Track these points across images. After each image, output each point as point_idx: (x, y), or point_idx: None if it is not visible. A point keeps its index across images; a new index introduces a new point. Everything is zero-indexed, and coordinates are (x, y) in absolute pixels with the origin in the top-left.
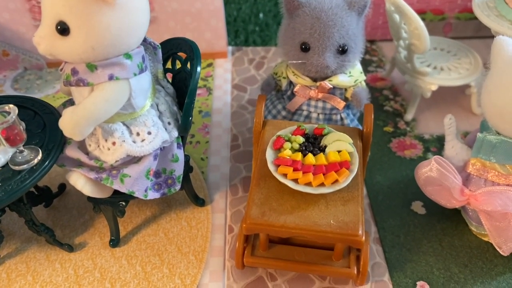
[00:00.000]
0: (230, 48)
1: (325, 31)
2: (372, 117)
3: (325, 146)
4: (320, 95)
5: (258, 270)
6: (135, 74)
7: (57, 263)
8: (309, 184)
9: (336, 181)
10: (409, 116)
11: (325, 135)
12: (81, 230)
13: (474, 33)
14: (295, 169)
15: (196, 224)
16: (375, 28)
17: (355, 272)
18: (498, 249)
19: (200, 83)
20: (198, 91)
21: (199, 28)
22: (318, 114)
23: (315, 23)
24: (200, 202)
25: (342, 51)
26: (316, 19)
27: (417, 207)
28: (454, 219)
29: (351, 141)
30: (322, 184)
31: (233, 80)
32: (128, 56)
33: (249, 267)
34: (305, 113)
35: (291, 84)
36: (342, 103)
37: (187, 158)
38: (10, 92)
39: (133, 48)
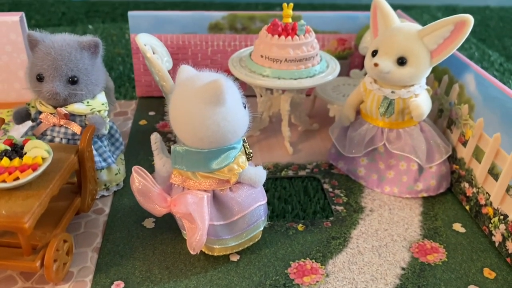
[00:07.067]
0: None
1: (54, 64)
2: (88, 135)
3: (26, 153)
4: (62, 122)
5: None
6: None
7: None
8: None
9: (17, 178)
10: None
11: None
12: None
13: None
14: None
15: None
16: None
17: (38, 265)
18: (190, 250)
19: None
20: None
21: (8, 80)
22: (61, 138)
23: (46, 57)
24: None
25: (72, 81)
26: (47, 54)
27: (149, 222)
28: (177, 232)
29: (47, 148)
30: (4, 181)
31: None
32: None
33: None
34: (49, 137)
35: (40, 113)
36: (79, 128)
37: None
38: None
39: None
